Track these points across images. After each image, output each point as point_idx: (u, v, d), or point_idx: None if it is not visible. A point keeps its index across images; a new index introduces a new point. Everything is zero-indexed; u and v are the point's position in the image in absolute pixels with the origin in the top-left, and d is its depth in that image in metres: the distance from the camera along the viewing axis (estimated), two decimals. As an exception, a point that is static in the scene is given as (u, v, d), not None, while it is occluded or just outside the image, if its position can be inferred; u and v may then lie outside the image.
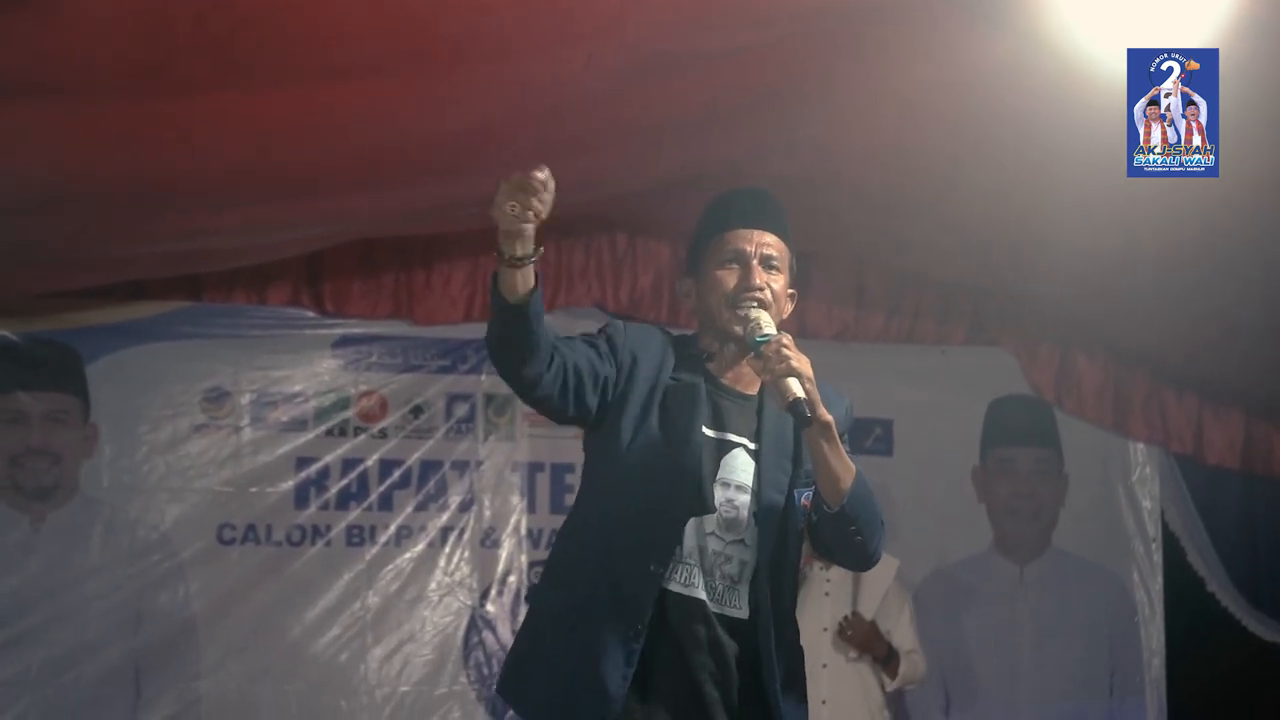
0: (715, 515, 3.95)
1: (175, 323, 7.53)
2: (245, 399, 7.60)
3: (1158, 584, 8.50)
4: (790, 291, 4.15)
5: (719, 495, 3.97)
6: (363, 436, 7.68)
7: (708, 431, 3.99)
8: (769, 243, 4.07)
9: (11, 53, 4.37)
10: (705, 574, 3.94)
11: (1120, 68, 4.78)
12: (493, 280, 3.68)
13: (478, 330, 7.61)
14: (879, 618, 7.11)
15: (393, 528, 7.65)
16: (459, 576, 7.66)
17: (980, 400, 8.42)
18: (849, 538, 3.96)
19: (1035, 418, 8.48)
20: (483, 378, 7.76)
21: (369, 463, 7.67)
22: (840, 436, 3.95)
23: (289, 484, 7.60)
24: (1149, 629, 8.48)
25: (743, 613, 3.97)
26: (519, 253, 3.59)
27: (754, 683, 3.96)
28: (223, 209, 6.05)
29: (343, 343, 7.72)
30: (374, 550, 7.63)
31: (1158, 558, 8.52)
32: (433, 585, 7.67)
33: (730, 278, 4.02)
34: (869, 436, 8.17)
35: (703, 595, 3.94)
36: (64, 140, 5.03)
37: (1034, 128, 5.73)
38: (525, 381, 3.78)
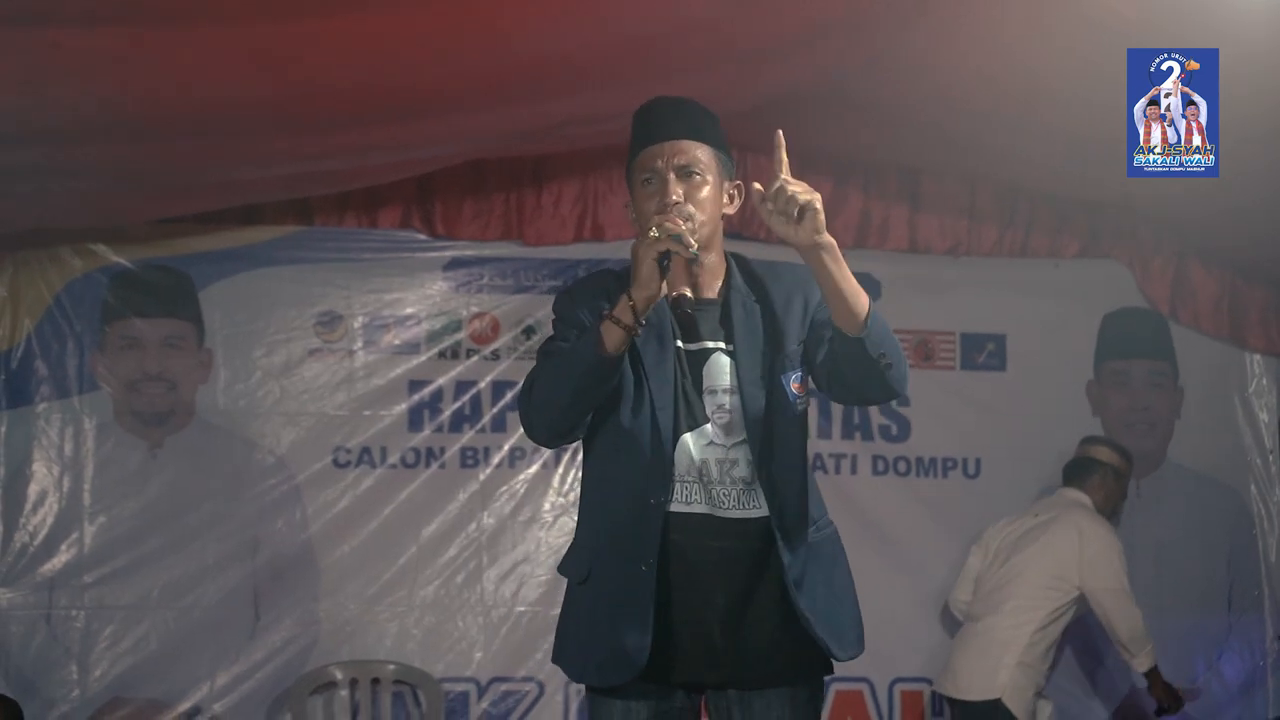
0: (710, 425, 4.01)
1: (287, 247, 7.59)
2: (358, 322, 7.64)
3: (1276, 497, 8.40)
4: (734, 186, 4.15)
5: (708, 404, 4.05)
6: (475, 358, 7.68)
7: (682, 345, 4.06)
8: (682, 150, 4.04)
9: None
10: (714, 484, 4.01)
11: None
12: (594, 336, 3.85)
13: (588, 250, 7.68)
14: None
15: (506, 449, 7.67)
16: (573, 497, 7.60)
17: (1094, 313, 8.30)
18: (876, 365, 3.85)
19: (1150, 330, 8.36)
20: (595, 296, 7.73)
21: (482, 385, 7.68)
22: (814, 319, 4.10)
23: (402, 406, 7.63)
24: (1267, 542, 8.38)
25: (762, 510, 4.03)
26: (647, 310, 3.81)
27: (776, 578, 4.03)
28: (334, 131, 6.06)
29: (454, 265, 7.72)
30: (488, 472, 7.66)
31: (1275, 470, 8.41)
32: (546, 506, 7.70)
33: (650, 198, 4.04)
34: (982, 352, 8.11)
35: (707, 509, 4.02)
36: (177, 65, 5.05)
37: (1136, 37, 5.64)
38: (572, 436, 4.10)
